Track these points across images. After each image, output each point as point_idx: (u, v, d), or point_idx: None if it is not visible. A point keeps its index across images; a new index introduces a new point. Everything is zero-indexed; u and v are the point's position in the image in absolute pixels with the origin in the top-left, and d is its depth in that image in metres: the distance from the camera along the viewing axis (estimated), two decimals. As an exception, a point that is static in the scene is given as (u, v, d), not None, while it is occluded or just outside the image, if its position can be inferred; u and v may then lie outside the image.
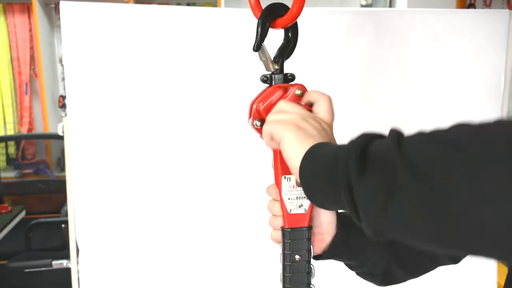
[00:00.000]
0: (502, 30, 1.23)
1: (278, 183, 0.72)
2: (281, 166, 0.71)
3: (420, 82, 1.24)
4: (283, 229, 0.73)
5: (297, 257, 0.72)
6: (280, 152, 0.66)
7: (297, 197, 0.72)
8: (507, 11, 1.24)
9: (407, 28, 1.21)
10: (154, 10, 1.15)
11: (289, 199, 0.72)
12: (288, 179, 0.72)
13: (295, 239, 0.72)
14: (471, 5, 2.57)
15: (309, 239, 0.73)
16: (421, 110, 1.26)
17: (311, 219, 0.73)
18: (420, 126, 1.31)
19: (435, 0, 2.45)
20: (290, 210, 0.73)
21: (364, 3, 3.11)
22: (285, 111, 0.66)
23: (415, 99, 1.25)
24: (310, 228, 0.73)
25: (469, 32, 1.23)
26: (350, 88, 1.22)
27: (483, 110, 1.27)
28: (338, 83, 1.22)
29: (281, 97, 0.70)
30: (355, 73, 1.22)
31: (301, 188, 0.69)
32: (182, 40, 1.15)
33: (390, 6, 2.74)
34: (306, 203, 0.73)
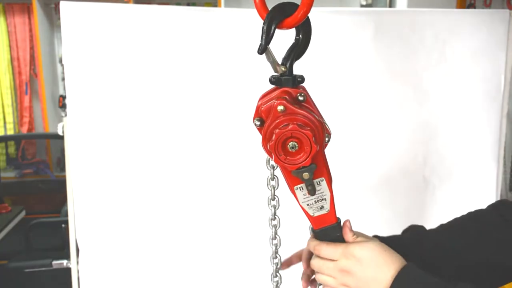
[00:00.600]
0: (502, 30, 1.23)
1: (293, 194, 0.74)
2: (289, 179, 0.72)
3: (420, 82, 1.24)
4: (313, 230, 0.76)
5: None
6: (285, 167, 0.69)
7: (315, 201, 0.73)
8: (507, 11, 1.24)
9: (407, 28, 1.21)
10: (154, 10, 1.15)
11: (308, 205, 0.74)
12: (300, 188, 0.73)
13: (327, 235, 0.75)
14: (471, 5, 2.57)
15: (341, 233, 0.75)
16: (422, 109, 1.25)
17: (336, 214, 0.75)
18: (420, 126, 1.30)
19: (435, 0, 2.45)
20: (313, 214, 0.75)
21: (364, 3, 3.11)
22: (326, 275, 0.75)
23: (416, 99, 1.25)
24: (338, 222, 0.75)
25: (469, 32, 1.23)
26: (350, 88, 1.22)
27: (483, 110, 1.27)
28: (338, 82, 1.22)
29: (279, 104, 0.68)
30: (355, 72, 1.22)
31: (316, 195, 0.72)
32: (182, 40, 1.14)
33: (390, 6, 2.73)
34: (326, 204, 0.74)
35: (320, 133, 0.68)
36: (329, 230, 0.75)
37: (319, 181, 0.72)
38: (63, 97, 3.87)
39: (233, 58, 1.17)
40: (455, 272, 0.79)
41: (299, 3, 0.67)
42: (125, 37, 1.12)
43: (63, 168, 3.93)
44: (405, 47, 1.22)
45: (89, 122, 1.15)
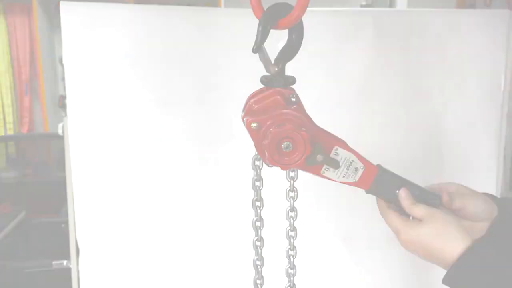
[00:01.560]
0: (502, 30, 1.23)
1: (325, 178, 0.73)
2: (310, 170, 0.72)
3: (420, 82, 1.24)
4: (367, 192, 0.77)
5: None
6: (305, 165, 0.69)
7: (346, 169, 0.73)
8: (507, 11, 1.24)
9: (407, 28, 1.21)
10: (154, 10, 1.15)
11: (344, 176, 0.73)
12: (326, 169, 0.72)
13: (380, 188, 0.76)
14: (471, 5, 2.57)
15: (391, 177, 0.77)
16: (421, 110, 1.25)
17: (372, 163, 0.75)
18: (420, 126, 1.29)
19: (435, 0, 2.45)
20: (355, 179, 0.74)
21: (364, 3, 3.10)
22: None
23: (415, 99, 1.25)
24: (381, 169, 0.76)
25: (469, 32, 1.23)
26: (349, 88, 1.22)
27: (483, 110, 1.27)
28: (338, 83, 1.22)
29: (276, 104, 0.69)
30: (355, 73, 1.22)
31: (342, 164, 0.72)
32: (182, 40, 1.14)
33: (390, 6, 2.73)
34: (357, 163, 0.73)
35: (314, 134, 0.69)
36: (378, 181, 0.75)
37: (334, 152, 0.71)
38: (63, 97, 3.87)
39: (233, 58, 1.17)
40: None
41: (294, 5, 0.67)
42: (125, 37, 1.12)
43: (63, 168, 3.93)
44: (405, 47, 1.22)
45: (89, 122, 1.15)
